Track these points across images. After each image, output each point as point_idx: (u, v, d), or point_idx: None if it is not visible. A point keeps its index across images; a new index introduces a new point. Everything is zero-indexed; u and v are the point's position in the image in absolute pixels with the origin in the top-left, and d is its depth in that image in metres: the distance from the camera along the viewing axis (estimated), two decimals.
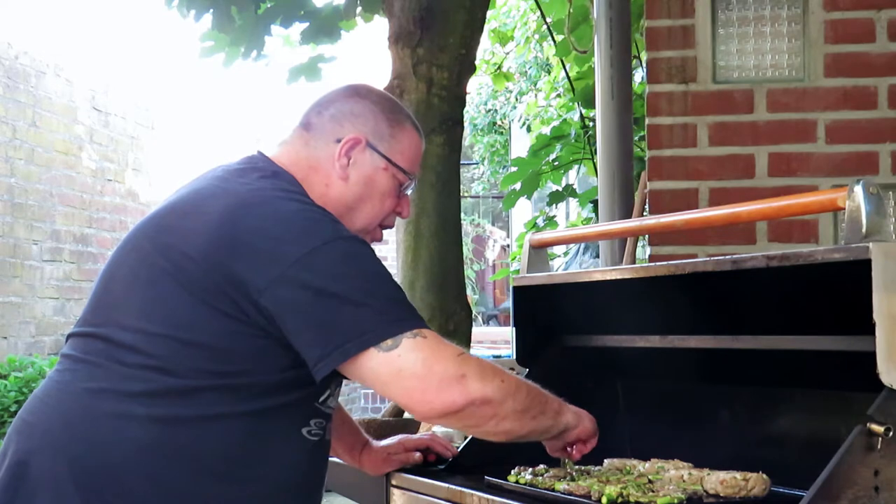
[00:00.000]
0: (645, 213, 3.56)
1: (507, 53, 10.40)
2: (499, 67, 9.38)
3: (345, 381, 1.95)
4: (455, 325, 4.51)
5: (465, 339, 4.57)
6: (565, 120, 6.78)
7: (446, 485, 2.05)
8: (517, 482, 1.99)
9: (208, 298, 1.81)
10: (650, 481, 1.92)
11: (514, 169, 6.24)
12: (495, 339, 11.81)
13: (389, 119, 2.07)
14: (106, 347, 1.88)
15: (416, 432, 2.59)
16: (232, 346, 1.82)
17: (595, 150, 4.02)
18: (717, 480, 1.82)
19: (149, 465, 1.82)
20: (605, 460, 2.13)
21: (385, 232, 2.15)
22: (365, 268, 1.83)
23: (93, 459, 1.82)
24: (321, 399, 1.93)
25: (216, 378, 1.83)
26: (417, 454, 2.27)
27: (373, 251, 1.90)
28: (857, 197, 1.63)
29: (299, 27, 5.57)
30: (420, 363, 1.77)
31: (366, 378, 1.80)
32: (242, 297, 1.80)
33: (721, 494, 1.80)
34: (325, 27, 5.52)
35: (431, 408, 1.79)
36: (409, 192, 2.11)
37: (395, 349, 1.77)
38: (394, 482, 2.22)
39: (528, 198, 6.30)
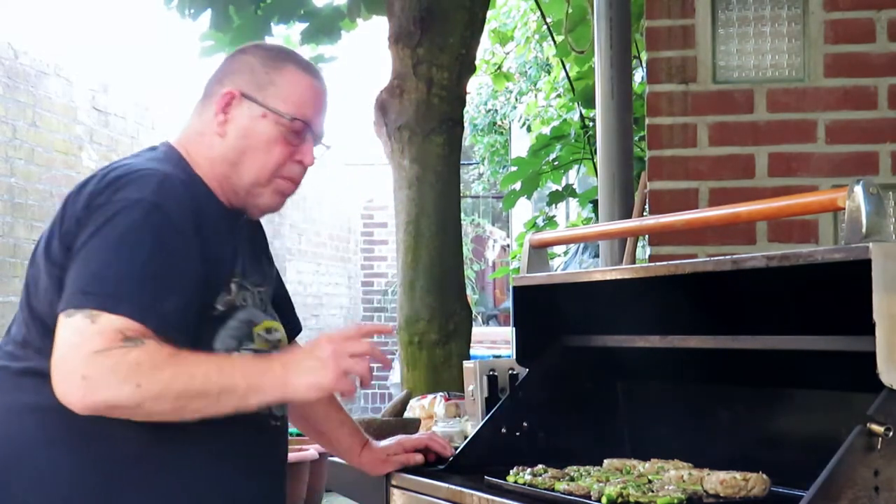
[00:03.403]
0: (645, 213, 3.56)
1: (507, 53, 10.40)
2: (499, 67, 9.39)
3: None
4: (455, 325, 4.51)
5: (465, 339, 4.57)
6: (565, 120, 6.79)
7: (446, 485, 2.05)
8: (517, 482, 1.99)
9: (56, 271, 1.83)
10: (650, 481, 1.91)
11: (514, 169, 6.25)
12: (495, 339, 11.80)
13: (267, 66, 2.00)
14: (5, 346, 1.92)
15: (415, 432, 2.59)
16: None
17: (595, 150, 4.02)
18: (717, 480, 1.82)
19: (43, 455, 1.83)
20: (605, 460, 2.13)
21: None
22: (119, 235, 1.78)
23: None
24: None
25: None
26: (419, 455, 2.27)
27: (159, 223, 1.80)
28: (857, 197, 1.63)
29: (299, 27, 5.58)
30: (68, 349, 1.72)
31: None
32: (64, 260, 1.83)
33: (721, 494, 1.80)
34: (326, 27, 5.53)
35: (61, 398, 1.73)
36: (306, 137, 2.00)
37: (68, 319, 1.73)
38: (394, 482, 2.22)
39: (528, 198, 6.31)
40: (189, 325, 1.83)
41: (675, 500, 1.77)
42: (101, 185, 1.85)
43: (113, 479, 1.83)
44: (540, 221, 6.85)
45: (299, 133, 1.99)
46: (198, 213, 1.88)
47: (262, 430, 1.97)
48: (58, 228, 1.86)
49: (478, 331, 8.28)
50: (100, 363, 1.71)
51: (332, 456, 2.50)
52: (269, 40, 5.50)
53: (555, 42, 5.99)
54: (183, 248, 1.83)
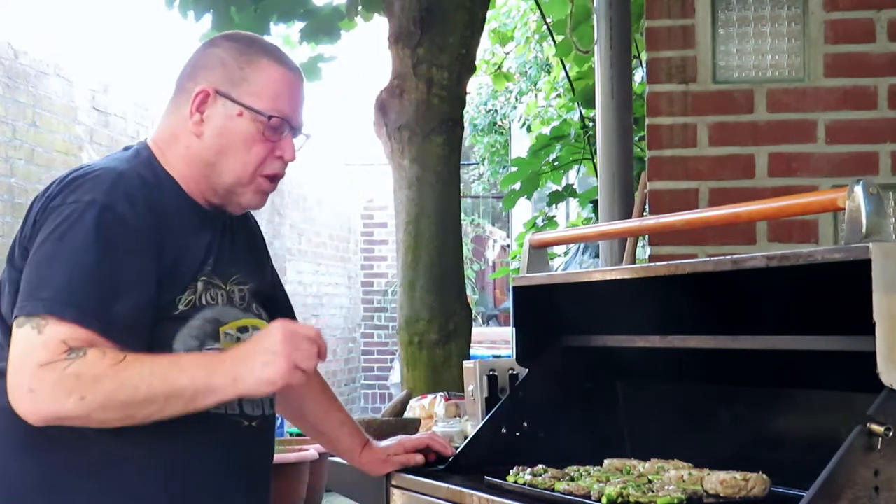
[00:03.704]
0: (645, 213, 3.56)
1: (507, 53, 10.40)
2: (499, 67, 9.39)
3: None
4: (455, 325, 4.51)
5: (465, 339, 4.57)
6: (565, 120, 6.79)
7: (446, 485, 2.05)
8: (517, 482, 1.99)
9: (16, 275, 1.83)
10: (650, 481, 1.91)
11: (514, 169, 6.25)
12: (495, 339, 11.80)
13: (240, 61, 1.94)
14: None
15: (415, 432, 2.59)
16: None
17: (595, 150, 4.02)
18: (717, 480, 1.82)
19: (9, 457, 1.83)
20: (605, 460, 2.13)
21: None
22: (69, 238, 1.77)
23: None
24: None
25: None
26: (419, 455, 2.27)
27: (110, 225, 1.79)
28: (857, 197, 1.63)
29: (299, 27, 5.58)
30: (17, 361, 1.72)
31: None
32: (22, 262, 1.83)
33: (721, 494, 1.80)
34: (325, 27, 5.53)
35: (16, 410, 1.74)
36: (285, 133, 1.96)
37: (18, 329, 1.73)
38: (394, 482, 2.22)
39: (528, 198, 6.31)
40: (143, 326, 1.81)
41: (675, 500, 1.77)
42: (59, 188, 1.85)
43: (83, 482, 1.82)
44: (540, 221, 6.85)
45: (277, 129, 1.94)
46: (157, 211, 1.86)
47: (235, 432, 1.93)
48: (19, 232, 1.87)
49: (478, 331, 8.28)
50: (44, 377, 1.70)
51: (332, 456, 2.50)
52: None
53: (555, 42, 5.99)
54: (135, 247, 1.81)
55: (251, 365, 1.76)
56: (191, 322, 1.87)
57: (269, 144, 1.94)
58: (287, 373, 1.76)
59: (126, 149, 2.01)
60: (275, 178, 1.98)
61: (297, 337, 1.78)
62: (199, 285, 1.89)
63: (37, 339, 1.71)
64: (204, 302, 1.89)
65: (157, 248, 1.83)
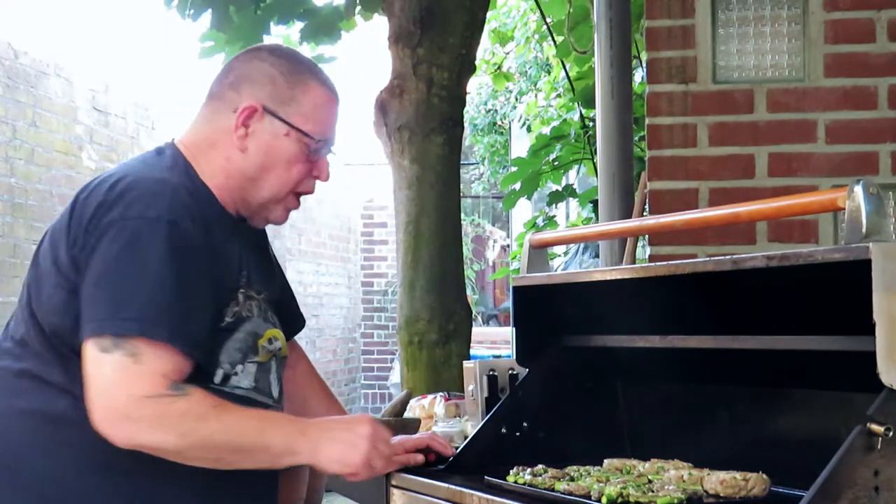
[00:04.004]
0: (645, 213, 3.56)
1: (507, 53, 10.40)
2: (499, 67, 9.39)
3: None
4: (455, 325, 4.51)
5: (465, 339, 4.57)
6: (565, 120, 6.79)
7: (446, 485, 2.04)
8: (517, 482, 1.99)
9: (64, 282, 1.82)
10: (650, 481, 1.91)
11: (514, 169, 6.25)
12: (495, 339, 11.81)
13: (290, 80, 1.96)
14: (5, 345, 1.92)
15: (415, 432, 2.59)
16: (66, 324, 1.82)
17: (595, 150, 4.02)
18: (717, 480, 1.82)
19: (38, 462, 1.82)
20: (605, 460, 2.13)
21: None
22: (142, 255, 1.77)
23: None
24: (217, 381, 1.88)
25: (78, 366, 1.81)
26: (419, 455, 2.27)
27: (175, 241, 1.80)
28: (857, 197, 1.63)
29: (299, 26, 5.58)
30: (104, 385, 1.74)
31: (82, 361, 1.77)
32: (69, 268, 1.82)
33: (721, 494, 1.80)
34: (325, 27, 5.53)
35: (99, 430, 1.76)
36: (324, 154, 2.00)
37: (105, 354, 1.73)
38: (394, 482, 2.22)
39: (528, 198, 6.31)
40: (209, 343, 1.84)
41: (675, 500, 1.77)
42: (112, 197, 1.82)
43: (110, 484, 1.83)
44: (540, 221, 6.85)
45: (319, 150, 1.98)
46: (207, 225, 1.87)
47: None
48: (64, 236, 1.84)
49: (478, 331, 8.28)
50: (146, 408, 1.73)
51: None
52: (267, 39, 5.50)
53: (555, 42, 5.99)
54: (200, 264, 1.82)
55: (334, 444, 1.87)
56: (235, 335, 1.90)
57: (308, 165, 1.98)
58: (361, 464, 1.89)
59: (158, 152, 1.98)
60: (305, 195, 2.04)
61: (380, 438, 1.93)
62: (240, 297, 1.92)
63: (133, 368, 1.73)
64: (245, 314, 1.92)
65: (211, 263, 1.86)
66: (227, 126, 1.95)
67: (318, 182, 2.03)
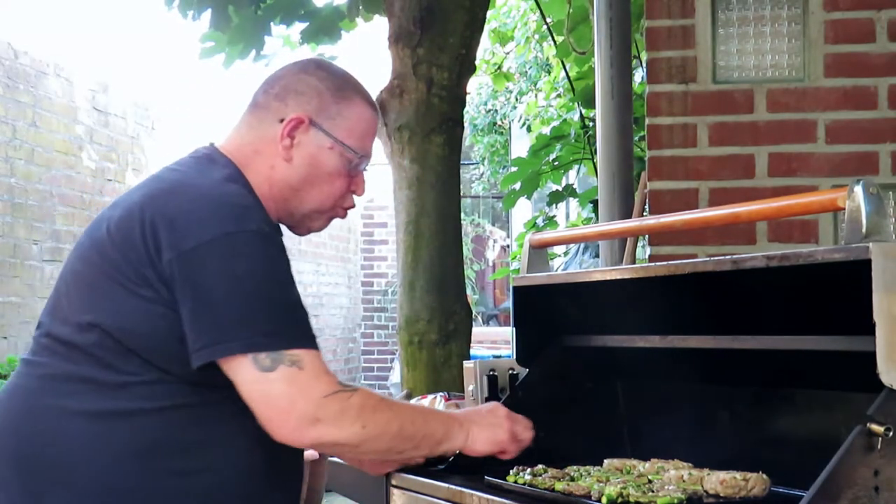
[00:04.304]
0: (645, 213, 3.56)
1: (507, 53, 10.40)
2: (499, 67, 9.40)
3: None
4: (455, 325, 4.51)
5: (465, 339, 4.57)
6: (565, 120, 6.79)
7: (446, 485, 2.05)
8: (517, 482, 1.99)
9: (130, 285, 1.82)
10: (650, 481, 1.91)
11: (514, 169, 6.25)
12: (495, 339, 11.80)
13: (336, 96, 2.02)
14: (49, 344, 1.90)
15: None
16: (156, 332, 1.82)
17: (595, 150, 4.02)
18: (717, 480, 1.82)
19: (92, 463, 1.81)
20: (605, 460, 2.13)
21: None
22: (257, 268, 1.80)
23: (37, 459, 1.83)
24: None
25: (149, 369, 1.83)
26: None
27: (277, 250, 1.85)
28: (857, 197, 1.63)
29: (299, 27, 5.58)
30: (286, 399, 1.78)
31: (235, 382, 1.80)
32: (157, 279, 1.81)
33: (721, 494, 1.80)
34: (325, 27, 5.53)
35: (284, 440, 1.81)
36: (362, 169, 2.05)
37: (269, 372, 1.77)
38: (394, 482, 2.22)
39: (528, 198, 6.31)
40: None
41: (675, 500, 1.77)
42: (196, 207, 1.82)
43: (163, 483, 1.84)
44: (540, 221, 6.85)
45: (359, 166, 2.04)
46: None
47: None
48: (139, 245, 1.82)
49: (478, 331, 8.28)
50: (329, 406, 1.80)
51: (332, 456, 2.50)
52: (268, 40, 5.51)
53: (555, 42, 5.99)
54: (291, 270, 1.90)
55: (482, 428, 2.03)
56: None
57: (348, 179, 2.03)
58: (510, 440, 2.06)
59: (210, 160, 1.98)
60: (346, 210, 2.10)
61: (515, 417, 2.10)
62: None
63: (301, 374, 1.78)
64: None
65: None
66: (273, 135, 1.99)
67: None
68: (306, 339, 1.82)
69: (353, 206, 2.10)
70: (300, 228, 2.08)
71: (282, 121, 1.98)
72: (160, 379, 1.83)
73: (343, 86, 2.04)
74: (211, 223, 1.80)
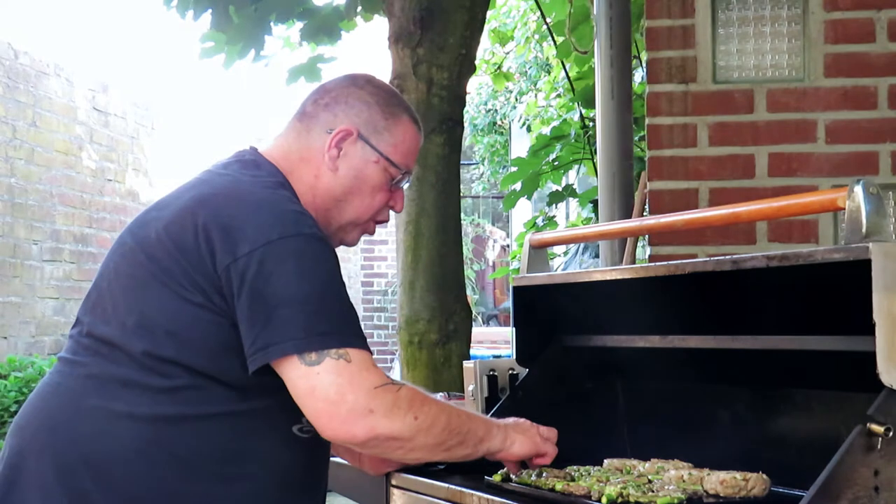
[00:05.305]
0: (645, 213, 3.56)
1: (507, 53, 10.39)
2: (499, 67, 9.38)
3: None
4: (455, 325, 4.51)
5: (465, 339, 4.57)
6: (565, 120, 6.78)
7: (446, 485, 2.05)
8: (516, 482, 1.99)
9: (180, 290, 1.82)
10: (650, 481, 1.91)
11: (514, 169, 6.24)
12: (495, 339, 11.80)
13: (385, 111, 2.04)
14: (91, 344, 1.89)
15: None
16: (205, 338, 1.82)
17: (595, 150, 4.02)
18: (717, 480, 1.82)
19: (134, 465, 1.82)
20: (605, 460, 2.13)
21: (385, 232, 2.18)
22: (314, 270, 1.82)
23: (77, 460, 1.83)
24: None
25: (195, 375, 1.83)
26: None
27: (332, 254, 1.88)
28: (857, 197, 1.63)
29: (299, 26, 5.57)
30: (334, 389, 1.77)
31: (286, 382, 1.80)
32: (209, 285, 1.81)
33: (721, 494, 1.80)
34: (325, 27, 5.53)
35: (335, 434, 1.80)
36: (402, 186, 2.08)
37: (315, 365, 1.77)
38: (394, 482, 2.22)
39: (528, 198, 6.30)
40: None
41: (675, 500, 1.77)
42: (251, 213, 1.83)
43: (205, 487, 1.85)
44: (540, 221, 6.84)
45: (400, 182, 2.06)
46: None
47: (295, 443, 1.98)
48: (192, 250, 1.82)
49: (478, 331, 8.28)
50: (381, 397, 1.79)
51: (332, 456, 2.51)
52: (268, 39, 5.50)
53: (555, 42, 5.99)
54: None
55: (516, 432, 2.02)
56: None
57: (388, 194, 2.06)
58: (543, 441, 2.04)
59: (256, 165, 1.99)
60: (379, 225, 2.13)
61: (539, 426, 2.08)
62: None
63: (351, 367, 1.78)
64: None
65: None
66: (320, 145, 2.01)
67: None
68: (356, 338, 1.82)
69: (387, 221, 2.12)
70: (334, 240, 2.07)
71: (330, 131, 2.01)
72: (205, 385, 1.84)
73: (392, 102, 2.07)
74: (266, 228, 1.81)
